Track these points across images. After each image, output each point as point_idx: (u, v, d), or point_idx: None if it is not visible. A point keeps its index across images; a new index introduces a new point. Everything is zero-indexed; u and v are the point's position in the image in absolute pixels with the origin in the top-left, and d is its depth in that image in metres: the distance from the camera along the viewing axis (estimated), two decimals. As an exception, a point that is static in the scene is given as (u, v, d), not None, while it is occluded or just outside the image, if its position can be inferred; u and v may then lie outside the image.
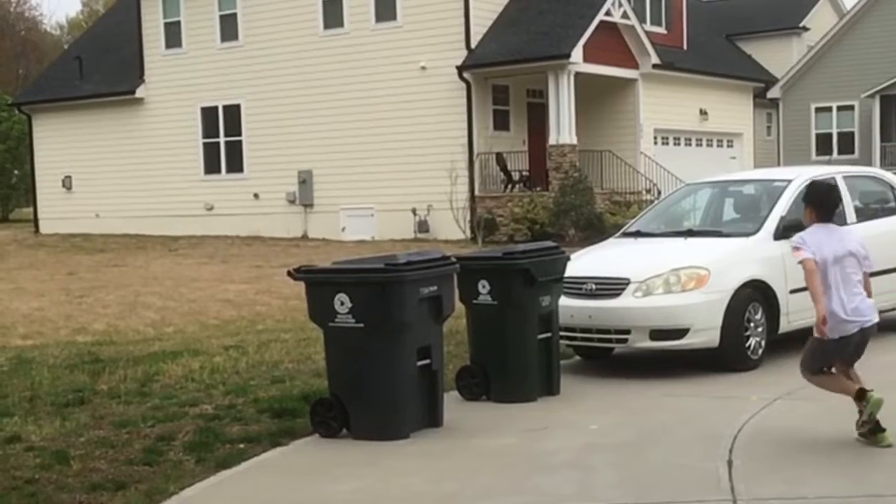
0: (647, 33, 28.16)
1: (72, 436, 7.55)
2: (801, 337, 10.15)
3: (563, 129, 26.00)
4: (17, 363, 10.64)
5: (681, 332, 9.16)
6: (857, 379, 6.98)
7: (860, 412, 6.77)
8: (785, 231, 9.89)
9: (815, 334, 6.82)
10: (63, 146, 34.00)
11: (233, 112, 30.46)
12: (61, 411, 8.32)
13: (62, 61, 37.58)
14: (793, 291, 9.77)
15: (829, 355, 6.92)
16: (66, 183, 34.07)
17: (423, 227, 26.75)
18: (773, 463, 6.50)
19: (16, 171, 45.10)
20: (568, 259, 8.92)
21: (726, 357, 9.31)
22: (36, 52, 64.52)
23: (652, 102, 28.73)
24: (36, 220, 35.19)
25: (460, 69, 26.34)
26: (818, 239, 6.90)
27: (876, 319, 6.96)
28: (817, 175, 10.90)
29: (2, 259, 26.37)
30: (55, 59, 41.45)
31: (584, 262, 9.85)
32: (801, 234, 7.04)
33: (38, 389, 9.16)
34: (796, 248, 6.93)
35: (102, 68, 33.68)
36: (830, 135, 35.12)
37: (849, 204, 10.73)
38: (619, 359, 10.23)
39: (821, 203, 7.09)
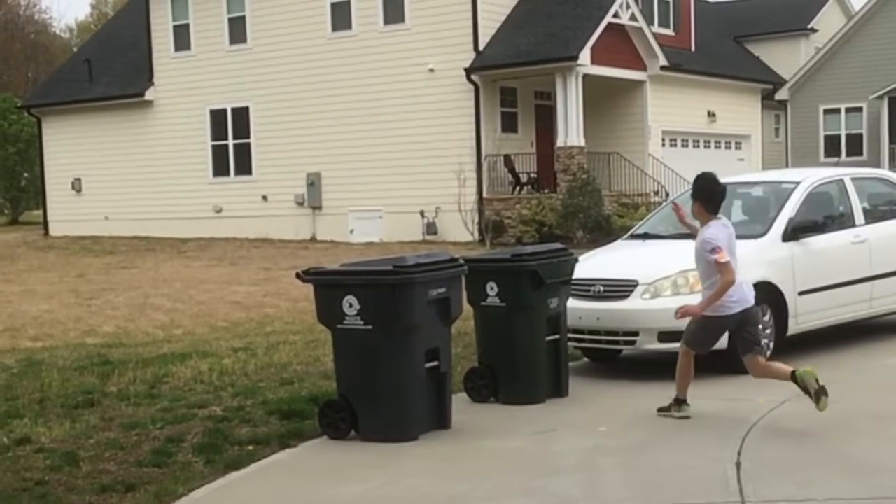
0: (655, 35, 28.14)
1: (81, 437, 7.58)
2: (810, 339, 10.19)
3: (570, 131, 25.99)
4: (26, 365, 10.68)
5: (689, 334, 9.14)
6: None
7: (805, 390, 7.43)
8: (793, 233, 9.91)
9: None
10: (72, 149, 34.09)
11: (241, 114, 30.51)
12: (71, 413, 8.35)
13: (71, 64, 37.69)
14: (801, 293, 9.79)
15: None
16: (76, 185, 34.15)
17: (431, 229, 26.76)
18: (781, 465, 6.50)
19: (25, 174, 45.20)
20: (576, 261, 8.93)
21: (735, 359, 9.25)
22: (45, 55, 64.69)
23: (660, 104, 28.71)
24: (45, 223, 35.28)
25: (468, 71, 26.35)
26: (726, 235, 7.62)
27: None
28: (823, 177, 10.91)
29: (12, 261, 26.44)
30: (64, 62, 41.57)
31: (592, 264, 9.86)
32: (714, 234, 7.54)
33: (48, 391, 9.20)
34: (717, 250, 7.44)
35: (111, 71, 33.77)
36: (839, 136, 35.03)
37: (857, 206, 10.74)
38: (628, 361, 10.22)
39: (709, 197, 7.66)
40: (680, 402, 7.97)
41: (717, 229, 7.60)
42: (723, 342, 9.16)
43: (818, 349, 10.24)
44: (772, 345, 9.53)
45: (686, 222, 8.21)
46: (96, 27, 59.04)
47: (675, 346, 9.20)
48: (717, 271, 7.52)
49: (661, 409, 8.00)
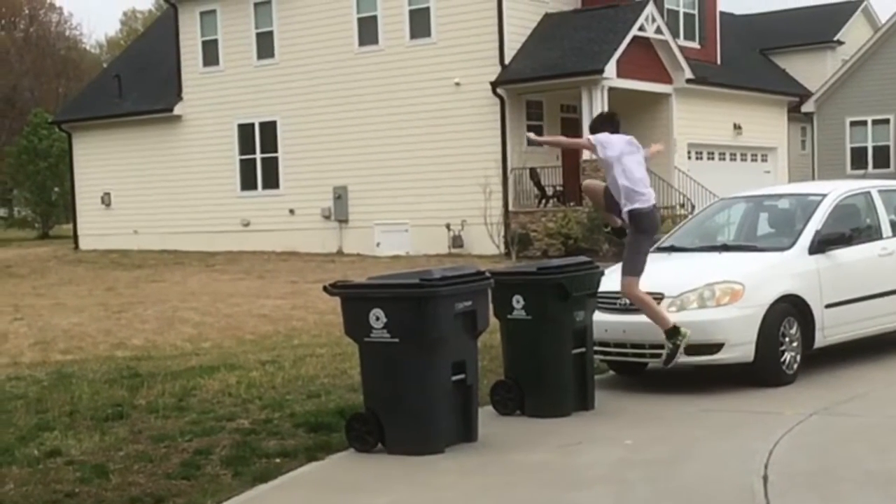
0: (681, 48, 28.11)
1: (111, 450, 7.65)
2: (836, 352, 10.15)
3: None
4: (57, 378, 10.78)
5: (715, 347, 9.14)
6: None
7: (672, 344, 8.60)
8: (820, 245, 9.88)
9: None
10: (102, 163, 34.40)
11: (269, 129, 30.70)
12: (101, 425, 8.42)
13: (101, 79, 38.05)
14: (828, 306, 9.75)
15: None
16: (105, 200, 34.44)
17: (457, 242, 26.81)
18: (808, 478, 6.48)
19: (56, 189, 45.65)
20: (602, 274, 8.93)
21: (761, 372, 9.28)
22: (76, 71, 65.32)
23: (686, 117, 28.66)
24: (75, 237, 35.58)
25: (494, 85, 26.41)
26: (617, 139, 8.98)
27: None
28: (850, 189, 10.88)
29: (42, 275, 26.69)
30: (95, 78, 41.96)
31: (618, 277, 9.84)
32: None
33: (78, 404, 9.28)
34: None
35: (141, 86, 34.06)
36: (865, 148, 34.81)
37: (884, 218, 10.69)
38: (654, 374, 10.21)
39: (600, 124, 9.14)
40: (670, 333, 8.62)
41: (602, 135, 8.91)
42: (749, 353, 9.17)
43: (845, 362, 10.20)
44: (798, 357, 9.50)
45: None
46: (126, 43, 59.54)
47: (702, 358, 9.23)
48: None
49: (667, 360, 8.76)
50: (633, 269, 8.81)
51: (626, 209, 8.72)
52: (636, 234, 8.84)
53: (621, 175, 8.74)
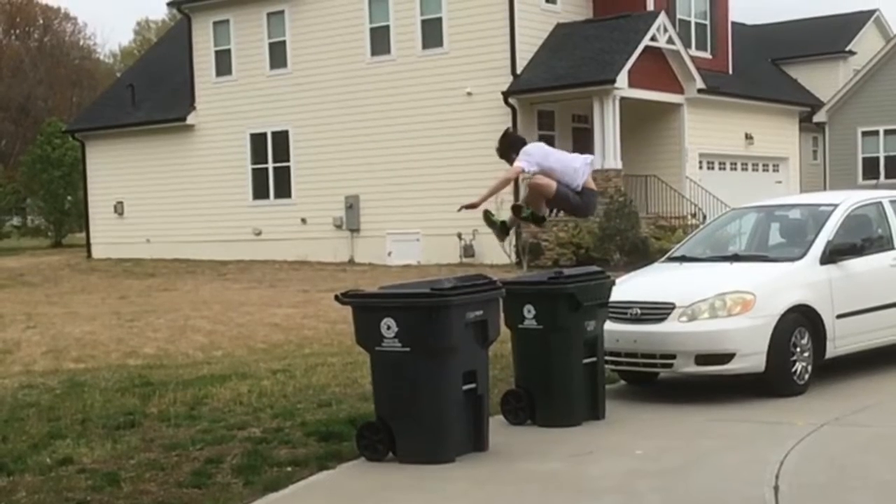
0: (693, 58, 28.12)
1: (122, 458, 7.67)
2: (848, 362, 10.13)
3: (608, 154, 25.99)
4: (69, 386, 10.81)
5: (726, 357, 9.13)
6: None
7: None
8: (831, 256, 9.87)
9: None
10: (115, 172, 34.54)
11: (281, 138, 30.79)
12: (112, 434, 8.44)
13: (115, 89, 38.23)
14: (839, 316, 9.73)
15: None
16: (118, 208, 34.57)
17: (468, 251, 26.82)
18: (820, 489, 6.47)
19: (69, 197, 45.78)
20: (613, 283, 8.94)
21: (772, 382, 9.26)
22: (90, 80, 65.65)
23: (697, 127, 28.65)
24: (88, 245, 35.72)
25: (506, 95, 26.45)
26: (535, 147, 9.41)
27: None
28: (861, 199, 10.87)
29: (55, 283, 26.80)
30: (108, 87, 42.17)
31: (629, 287, 9.86)
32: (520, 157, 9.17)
33: (90, 412, 9.30)
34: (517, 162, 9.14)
35: (154, 96, 34.22)
36: (877, 159, 34.74)
37: (895, 228, 10.67)
38: (665, 383, 10.20)
39: (515, 144, 9.35)
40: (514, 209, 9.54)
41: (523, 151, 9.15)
42: (760, 363, 9.16)
43: (856, 373, 10.18)
44: (810, 368, 9.48)
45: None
46: (139, 53, 59.82)
47: (713, 368, 9.23)
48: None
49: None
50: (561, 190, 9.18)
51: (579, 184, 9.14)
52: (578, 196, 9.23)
53: (563, 167, 9.15)
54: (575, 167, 9.08)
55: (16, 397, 10.25)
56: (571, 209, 9.59)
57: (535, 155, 9.17)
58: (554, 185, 9.11)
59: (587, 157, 9.36)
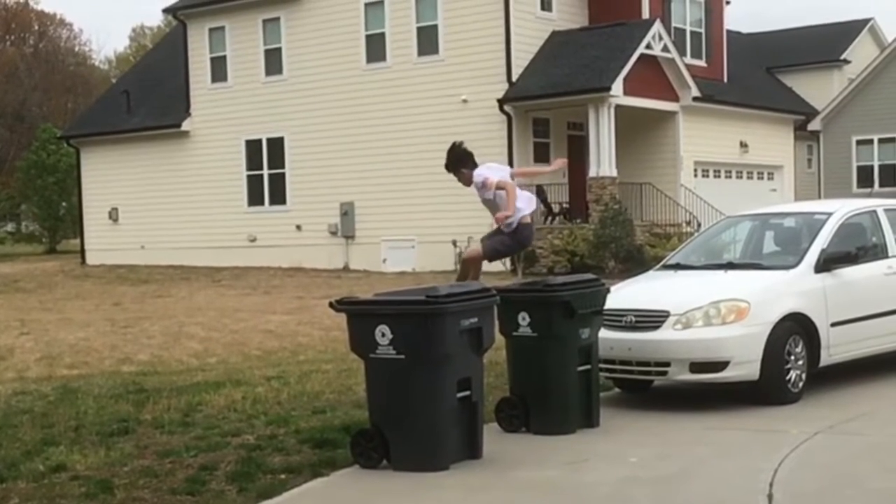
0: (688, 66, 28.19)
1: (116, 465, 7.65)
2: (842, 371, 10.14)
3: (603, 162, 26.03)
4: (63, 393, 10.79)
5: (721, 365, 9.14)
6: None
7: None
8: (826, 264, 9.88)
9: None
10: (110, 179, 34.53)
11: (276, 145, 30.82)
12: (106, 441, 8.42)
13: (110, 95, 38.23)
14: (834, 324, 9.74)
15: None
16: (113, 215, 34.56)
17: (463, 258, 26.79)
18: (814, 498, 6.47)
19: (63, 203, 45.80)
20: (608, 291, 8.94)
21: (766, 390, 9.27)
22: (85, 87, 65.59)
23: (692, 135, 28.71)
24: (83, 252, 35.69)
25: (501, 102, 26.49)
26: (487, 168, 9.24)
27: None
28: (856, 208, 10.89)
29: (49, 289, 26.76)
30: (103, 93, 42.16)
31: (623, 295, 9.86)
32: (479, 171, 9.13)
33: (84, 419, 9.29)
34: (486, 182, 8.96)
35: (149, 102, 34.22)
36: (872, 167, 34.82)
37: (890, 237, 10.68)
38: (659, 391, 10.20)
39: (465, 158, 9.26)
40: None
41: (480, 169, 9.16)
42: (754, 371, 9.17)
43: (851, 381, 10.19)
44: (804, 376, 9.49)
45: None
46: (135, 59, 59.84)
47: (707, 376, 9.23)
48: (498, 197, 8.90)
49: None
50: (489, 246, 9.11)
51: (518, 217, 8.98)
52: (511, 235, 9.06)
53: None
54: (519, 207, 8.98)
55: (9, 404, 10.23)
56: (509, 253, 9.73)
57: (500, 170, 9.28)
58: (479, 248, 9.10)
59: (532, 197, 9.34)
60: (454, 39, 27.34)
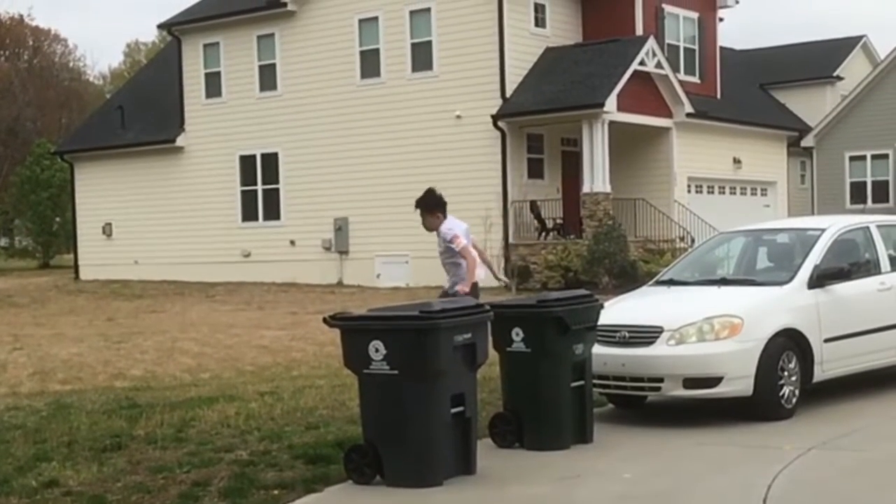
0: (681, 82, 28.27)
1: (109, 481, 7.63)
2: (836, 386, 10.15)
3: (596, 178, 26.07)
4: (55, 408, 10.76)
5: (714, 381, 9.14)
6: None
7: None
8: (819, 280, 9.89)
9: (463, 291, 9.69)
10: (104, 194, 34.51)
11: (270, 160, 30.83)
12: (99, 456, 8.40)
13: (104, 110, 38.26)
14: (827, 340, 9.76)
15: None
16: (107, 230, 34.52)
17: (457, 274, 26.78)
18: (807, 513, 6.47)
19: (57, 219, 45.75)
20: (601, 307, 8.94)
21: (760, 406, 9.27)
22: (79, 102, 65.61)
23: (686, 151, 28.78)
24: (76, 267, 35.64)
25: (495, 118, 26.55)
26: (462, 227, 10.24)
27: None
28: (849, 224, 10.92)
29: (42, 305, 26.70)
30: (97, 109, 42.19)
31: (617, 310, 9.87)
32: (451, 225, 10.14)
33: (77, 434, 9.26)
34: (455, 238, 9.93)
35: (143, 117, 34.23)
36: (865, 183, 34.94)
37: (883, 253, 10.71)
38: (653, 407, 10.21)
39: (440, 204, 10.26)
40: None
41: (453, 222, 10.04)
42: (748, 387, 9.17)
43: (844, 397, 10.20)
44: (798, 392, 9.49)
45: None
46: (129, 74, 59.87)
47: (701, 392, 9.24)
48: (460, 256, 9.78)
49: None
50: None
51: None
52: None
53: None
54: (479, 275, 9.88)
55: (1, 419, 10.19)
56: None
57: (466, 234, 10.20)
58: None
59: (482, 263, 10.37)
60: (448, 55, 27.41)
